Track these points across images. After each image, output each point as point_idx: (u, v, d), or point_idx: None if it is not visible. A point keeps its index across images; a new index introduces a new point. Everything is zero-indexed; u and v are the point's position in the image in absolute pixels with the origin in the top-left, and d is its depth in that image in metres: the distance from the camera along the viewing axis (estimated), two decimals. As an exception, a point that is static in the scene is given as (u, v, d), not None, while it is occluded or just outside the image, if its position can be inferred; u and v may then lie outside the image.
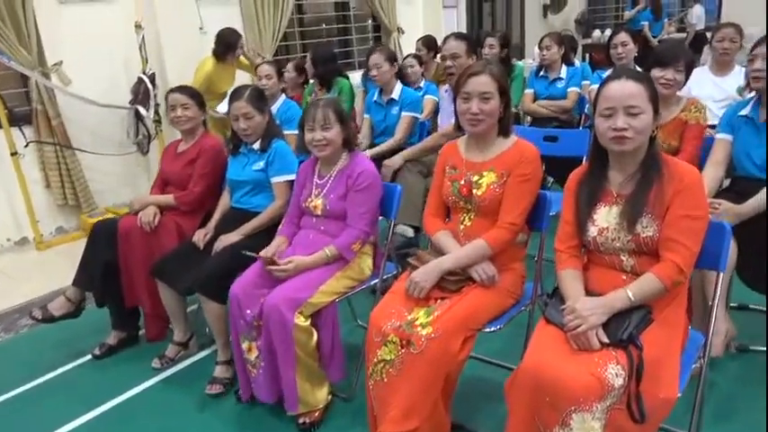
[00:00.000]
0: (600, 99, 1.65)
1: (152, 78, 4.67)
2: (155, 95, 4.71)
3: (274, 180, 2.56)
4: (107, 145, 4.73)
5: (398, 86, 3.57)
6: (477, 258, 1.90)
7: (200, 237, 2.57)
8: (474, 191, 1.97)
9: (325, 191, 2.29)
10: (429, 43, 5.18)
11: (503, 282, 1.94)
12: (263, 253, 2.22)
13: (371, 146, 3.54)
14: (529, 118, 4.32)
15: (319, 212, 2.29)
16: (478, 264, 1.90)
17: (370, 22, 7.20)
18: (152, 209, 2.71)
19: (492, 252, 1.91)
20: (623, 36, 3.70)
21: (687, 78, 2.61)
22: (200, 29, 5.16)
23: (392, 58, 3.61)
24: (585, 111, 4.08)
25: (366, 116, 3.69)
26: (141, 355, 2.76)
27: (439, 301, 1.87)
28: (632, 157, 1.66)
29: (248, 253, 2.20)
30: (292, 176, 2.52)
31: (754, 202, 2.12)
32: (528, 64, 5.74)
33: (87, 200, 4.64)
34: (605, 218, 1.70)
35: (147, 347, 2.82)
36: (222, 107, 4.54)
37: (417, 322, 1.79)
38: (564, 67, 4.12)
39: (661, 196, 1.61)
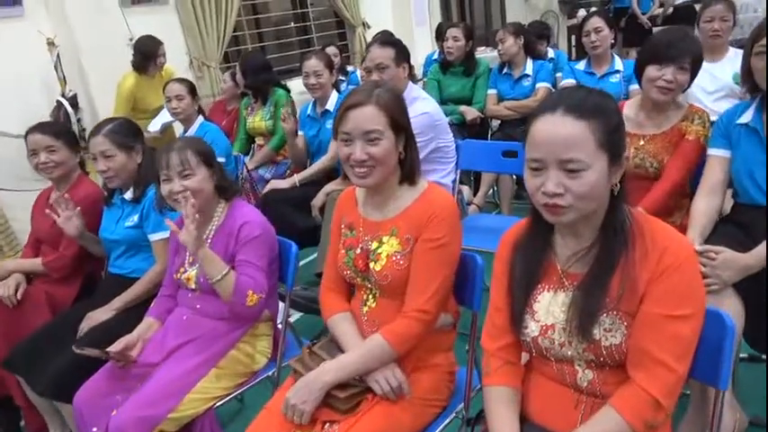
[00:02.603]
0: (527, 143, 1.11)
1: (73, 101, 4.15)
2: (78, 120, 4.19)
3: (152, 239, 2.04)
4: (28, 179, 4.20)
5: (334, 96, 3.04)
6: (374, 362, 1.36)
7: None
8: (371, 265, 1.43)
9: (203, 256, 1.76)
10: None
11: (418, 389, 1.40)
12: (112, 348, 1.69)
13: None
14: (496, 122, 3.76)
15: (193, 286, 1.76)
16: (378, 370, 1.36)
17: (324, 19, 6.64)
18: (14, 278, 2.20)
19: (395, 353, 1.37)
20: (596, 21, 3.13)
21: (693, 79, 2.02)
22: (130, 40, 4.61)
23: (331, 65, 3.08)
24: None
25: (300, 133, 3.16)
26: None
27: (327, 425, 1.33)
28: (585, 222, 1.12)
29: (86, 351, 1.65)
30: (175, 233, 1.98)
31: (764, 250, 1.56)
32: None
33: (10, 243, 4.13)
34: (549, 309, 1.16)
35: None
36: (154, 125, 4.03)
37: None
38: (529, 62, 3.54)
39: (630, 282, 1.07)
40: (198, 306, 1.77)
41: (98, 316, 1.99)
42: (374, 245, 1.44)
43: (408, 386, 1.37)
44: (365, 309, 1.48)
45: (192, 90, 3.13)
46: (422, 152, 2.50)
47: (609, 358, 1.10)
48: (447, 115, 3.66)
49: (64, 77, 4.13)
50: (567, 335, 1.13)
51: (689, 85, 2.02)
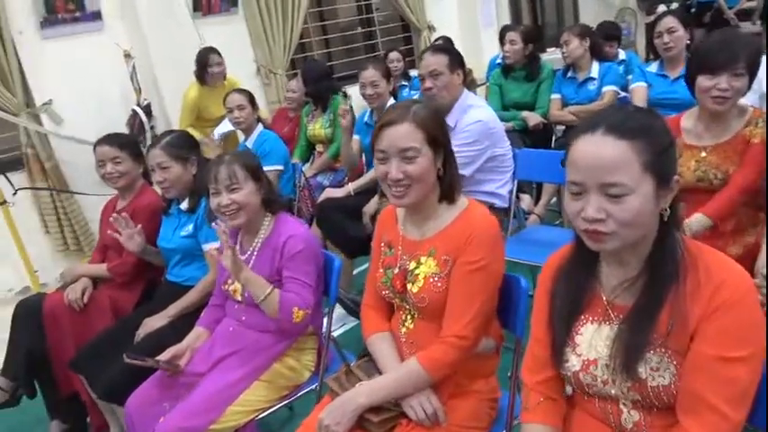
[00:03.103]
0: (566, 164, 1.04)
1: (147, 109, 4.36)
2: (151, 127, 4.39)
3: (205, 248, 2.09)
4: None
5: (390, 104, 3.02)
6: (409, 387, 1.32)
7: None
8: (408, 286, 1.39)
9: (250, 267, 1.78)
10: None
11: (456, 416, 1.35)
12: (162, 356, 1.74)
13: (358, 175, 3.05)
14: (560, 128, 3.62)
15: (239, 298, 1.79)
16: (413, 395, 1.32)
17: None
18: (81, 283, 2.31)
19: (431, 379, 1.33)
20: (670, 21, 2.93)
21: (752, 80, 1.85)
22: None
23: (389, 74, 3.07)
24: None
25: (356, 137, 3.15)
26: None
27: (361, 449, 1.31)
28: (631, 251, 1.04)
29: (134, 361, 1.71)
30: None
31: None
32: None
33: (90, 243, 4.38)
34: (592, 343, 1.09)
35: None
36: (219, 129, 4.17)
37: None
38: (595, 64, 3.37)
39: (681, 317, 0.98)
40: (243, 318, 1.79)
41: (154, 323, 2.06)
42: (412, 265, 1.40)
43: (444, 413, 1.32)
44: (403, 330, 1.44)
45: (252, 100, 3.20)
46: (477, 162, 2.45)
47: (656, 399, 1.01)
48: (508, 121, 3.58)
49: (139, 87, 4.34)
50: (611, 372, 1.05)
51: (748, 88, 1.85)
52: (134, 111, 4.33)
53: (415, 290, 1.37)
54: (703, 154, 1.90)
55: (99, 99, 4.36)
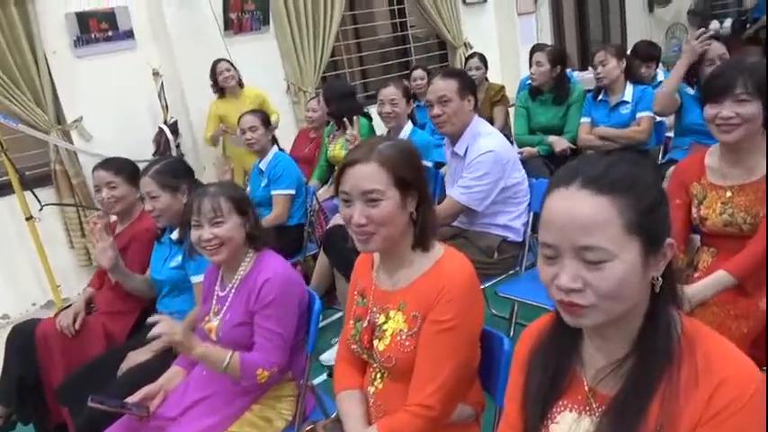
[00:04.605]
0: (540, 222, 0.89)
1: (173, 127, 4.38)
2: (177, 145, 4.42)
3: (194, 280, 2.00)
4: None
5: (408, 127, 2.91)
6: (369, 461, 1.18)
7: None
8: (375, 343, 1.25)
9: (225, 308, 1.68)
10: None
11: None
12: (133, 397, 1.65)
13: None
14: (589, 154, 3.39)
15: (215, 338, 1.68)
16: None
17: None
18: (73, 309, 2.27)
19: None
20: (719, 48, 2.69)
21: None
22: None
23: (408, 94, 2.96)
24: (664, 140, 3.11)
25: None
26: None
27: None
28: (616, 327, 0.88)
29: (99, 405, 1.62)
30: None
31: None
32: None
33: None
34: None
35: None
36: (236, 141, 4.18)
37: None
38: (629, 87, 3.14)
39: (672, 417, 0.81)
40: (218, 361, 1.68)
41: (137, 357, 1.99)
42: (381, 319, 1.27)
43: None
44: (372, 389, 1.31)
45: (266, 121, 3.14)
46: (490, 196, 2.30)
47: None
48: (533, 146, 3.40)
49: (166, 105, 4.37)
50: None
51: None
52: (160, 128, 4.36)
53: (381, 348, 1.23)
54: (729, 194, 1.69)
55: (128, 116, 4.42)
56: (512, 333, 2.39)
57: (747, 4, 6.42)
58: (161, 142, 4.38)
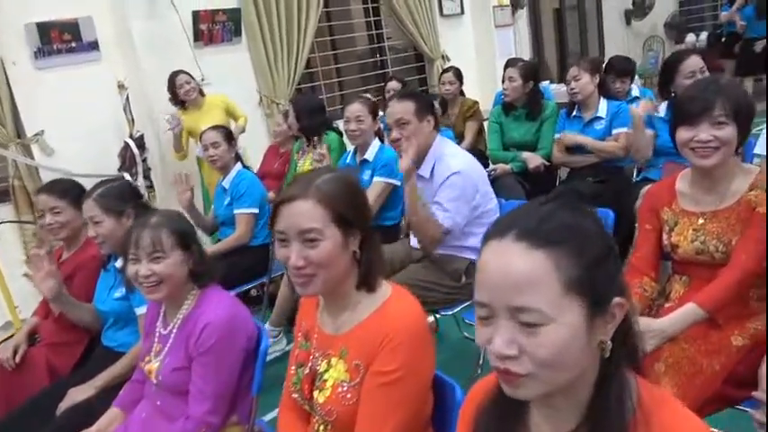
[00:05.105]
0: (474, 277, 0.79)
1: (140, 141, 4.25)
2: (144, 159, 4.28)
3: (138, 312, 1.88)
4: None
5: (375, 145, 2.82)
6: None
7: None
8: (315, 394, 1.14)
9: (166, 349, 1.56)
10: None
11: None
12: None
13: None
14: (565, 170, 3.33)
15: (155, 380, 1.56)
16: None
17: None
18: (13, 341, 2.14)
19: None
20: (697, 61, 2.62)
21: (746, 131, 1.57)
22: (202, 80, 4.67)
23: (375, 111, 2.88)
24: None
25: None
26: None
27: None
28: (563, 396, 0.78)
29: None
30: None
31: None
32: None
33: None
34: None
35: None
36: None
37: None
38: (603, 102, 3.07)
39: None
40: (158, 403, 1.56)
41: (77, 394, 1.86)
42: (323, 366, 1.16)
43: None
44: (314, 442, 1.19)
45: (229, 137, 3.03)
46: (466, 217, 2.19)
47: None
48: (506, 162, 3.32)
49: (132, 119, 4.24)
50: None
51: (743, 140, 1.56)
52: (126, 143, 4.22)
53: (321, 399, 1.12)
54: (701, 221, 1.61)
55: (92, 130, 4.27)
56: (481, 360, 2.29)
57: (721, 18, 6.45)
58: (126, 157, 4.24)
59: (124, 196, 1.96)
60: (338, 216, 1.10)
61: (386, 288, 1.17)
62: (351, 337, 1.13)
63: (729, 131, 1.52)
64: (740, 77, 6.32)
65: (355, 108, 2.81)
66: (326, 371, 1.14)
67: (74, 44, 4.14)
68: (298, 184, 1.12)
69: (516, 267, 0.72)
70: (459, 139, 3.99)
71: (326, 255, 1.09)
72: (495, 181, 3.26)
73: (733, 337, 1.51)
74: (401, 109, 2.17)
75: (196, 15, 4.57)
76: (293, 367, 1.23)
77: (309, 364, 1.19)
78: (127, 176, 4.19)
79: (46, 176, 4.06)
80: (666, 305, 1.68)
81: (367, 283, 1.15)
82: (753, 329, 1.53)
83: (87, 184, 3.98)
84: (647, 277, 1.71)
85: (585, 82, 3.03)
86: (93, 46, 4.23)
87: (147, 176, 4.33)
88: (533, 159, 3.23)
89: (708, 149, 1.53)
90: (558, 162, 3.21)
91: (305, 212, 1.08)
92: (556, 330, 0.71)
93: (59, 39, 4.09)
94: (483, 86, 6.29)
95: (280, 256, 1.13)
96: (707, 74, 2.58)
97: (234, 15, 4.80)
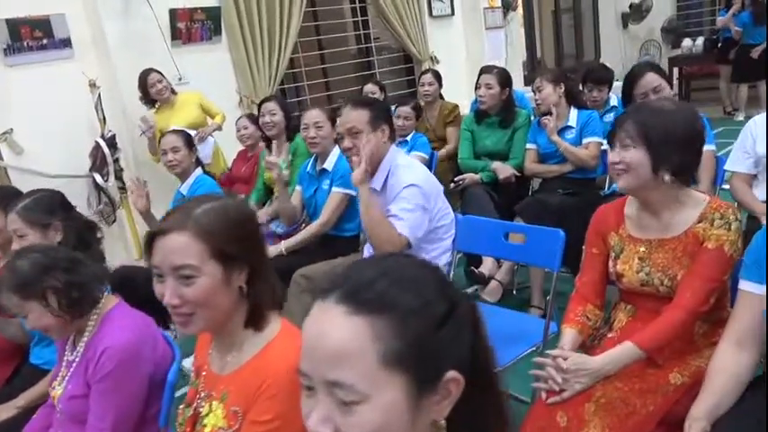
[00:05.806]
0: None
1: (111, 141, 4.17)
2: (116, 160, 4.20)
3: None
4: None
5: (335, 153, 2.72)
6: None
7: None
8: (192, 439, 1.05)
9: (70, 373, 1.47)
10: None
11: None
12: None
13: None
14: (537, 182, 3.23)
15: (58, 408, 1.47)
16: None
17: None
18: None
19: None
20: (655, 79, 2.47)
21: (667, 156, 1.43)
22: (179, 79, 4.58)
23: (334, 118, 2.78)
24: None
25: (297, 188, 2.87)
26: None
27: None
28: None
29: None
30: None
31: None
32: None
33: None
34: None
35: None
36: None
37: None
38: (573, 111, 2.99)
39: None
40: None
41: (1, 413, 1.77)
42: (205, 409, 1.07)
43: None
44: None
45: (189, 141, 2.93)
46: (422, 229, 2.08)
47: None
48: (476, 171, 3.22)
49: (104, 118, 4.16)
50: None
51: (686, 167, 1.47)
52: (97, 143, 4.14)
53: (197, 447, 1.03)
54: (643, 249, 1.52)
55: (63, 129, 4.18)
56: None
57: (718, 23, 6.32)
58: (97, 157, 4.17)
59: (52, 209, 1.86)
60: (218, 251, 1.01)
61: (274, 326, 1.08)
62: (233, 380, 1.04)
63: (634, 154, 1.44)
64: (736, 84, 6.21)
65: (314, 114, 2.70)
66: (207, 415, 1.05)
67: (45, 41, 4.06)
68: (175, 214, 1.03)
69: (331, 336, 0.63)
70: (435, 143, 3.89)
71: (203, 293, 1.00)
72: (463, 191, 3.17)
73: (672, 375, 1.41)
74: (355, 117, 2.06)
75: (173, 13, 4.48)
76: (181, 406, 1.14)
77: (194, 405, 1.10)
78: (97, 177, 4.13)
79: (15, 176, 3.99)
80: (609, 335, 1.58)
81: (254, 323, 1.05)
82: (695, 367, 1.43)
83: (57, 184, 3.96)
84: (592, 305, 1.62)
85: (548, 93, 2.98)
86: (66, 43, 4.15)
87: (118, 177, 4.26)
88: (504, 170, 3.13)
89: (617, 171, 1.49)
90: (530, 172, 3.12)
91: (179, 247, 0.99)
92: (371, 410, 0.62)
93: (30, 35, 4.01)
94: (473, 90, 6.18)
95: (156, 292, 1.04)
96: (664, 92, 2.45)
97: (213, 14, 4.71)
